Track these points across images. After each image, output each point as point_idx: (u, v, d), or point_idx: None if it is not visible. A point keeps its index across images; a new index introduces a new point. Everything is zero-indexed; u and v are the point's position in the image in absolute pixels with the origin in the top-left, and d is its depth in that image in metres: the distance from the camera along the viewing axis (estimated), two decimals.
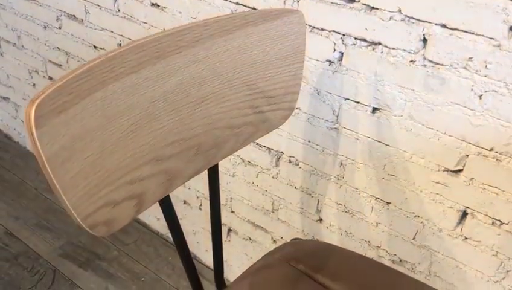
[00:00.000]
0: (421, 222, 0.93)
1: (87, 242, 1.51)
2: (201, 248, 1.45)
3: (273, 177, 1.14)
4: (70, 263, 1.43)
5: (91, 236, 1.53)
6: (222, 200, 1.30)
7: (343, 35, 0.88)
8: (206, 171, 0.72)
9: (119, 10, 1.26)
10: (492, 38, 0.72)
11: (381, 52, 0.84)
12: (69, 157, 0.46)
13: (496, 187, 0.81)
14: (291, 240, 0.90)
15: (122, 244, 1.51)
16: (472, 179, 0.83)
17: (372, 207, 0.99)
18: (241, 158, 1.18)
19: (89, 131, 0.49)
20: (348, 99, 0.92)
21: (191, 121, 0.63)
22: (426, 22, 0.77)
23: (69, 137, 0.46)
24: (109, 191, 0.53)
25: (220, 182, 1.27)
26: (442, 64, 0.78)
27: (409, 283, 0.79)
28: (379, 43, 0.84)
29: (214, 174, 0.73)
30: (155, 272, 1.42)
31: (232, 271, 1.41)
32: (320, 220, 1.10)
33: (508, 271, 0.86)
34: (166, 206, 0.63)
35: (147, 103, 0.56)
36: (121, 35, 1.29)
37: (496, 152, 0.79)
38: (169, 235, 1.54)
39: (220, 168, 1.25)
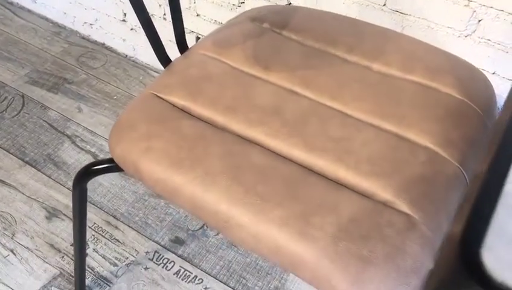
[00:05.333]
0: None
1: (53, 69, 1.45)
2: None
3: None
4: (38, 89, 1.39)
5: (57, 63, 1.47)
6: (185, 3, 1.22)
7: None
8: None
9: None
10: None
11: None
12: None
13: None
14: None
15: (90, 68, 1.46)
16: None
17: None
18: None
19: None
20: None
21: None
22: None
23: None
24: None
25: None
26: None
27: (375, 28, 0.76)
28: None
29: None
30: (127, 90, 1.40)
31: None
32: (289, 3, 1.05)
33: (479, 21, 0.84)
34: None
35: None
36: None
37: None
38: (138, 56, 1.49)
39: None
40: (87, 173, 0.63)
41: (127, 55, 1.51)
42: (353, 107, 0.63)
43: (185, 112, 0.63)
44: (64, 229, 1.07)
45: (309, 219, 0.50)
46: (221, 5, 1.16)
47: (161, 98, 0.65)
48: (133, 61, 1.49)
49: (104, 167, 0.62)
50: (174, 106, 0.64)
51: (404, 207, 0.53)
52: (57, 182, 1.16)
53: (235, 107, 0.62)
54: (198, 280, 1.00)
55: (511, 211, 0.15)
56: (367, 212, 0.51)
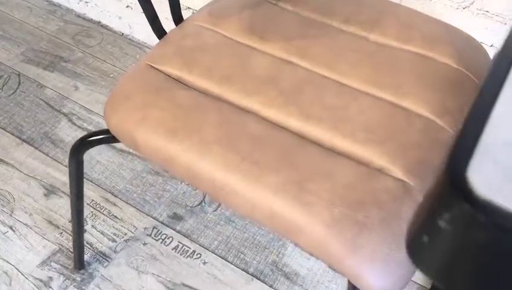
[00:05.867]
0: None
1: (49, 47, 1.44)
2: None
3: None
4: (34, 67, 1.38)
5: (52, 41, 1.46)
6: None
7: None
8: None
9: None
10: None
11: None
12: None
13: None
14: None
15: (86, 46, 1.45)
16: None
17: None
18: None
19: None
20: None
21: None
22: None
23: None
24: None
25: None
26: None
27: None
28: None
29: None
30: (123, 69, 1.39)
31: None
32: None
33: None
34: None
35: None
36: None
37: None
38: (134, 34, 1.48)
39: None
40: (83, 144, 0.63)
41: (123, 33, 1.50)
42: (349, 77, 0.63)
43: (180, 82, 0.63)
44: (63, 206, 1.07)
45: (305, 185, 0.50)
46: None
47: (156, 68, 0.64)
48: (129, 39, 1.48)
49: (100, 138, 0.62)
50: (169, 76, 0.63)
51: (399, 174, 0.53)
52: (55, 160, 1.16)
53: (231, 77, 0.62)
54: (197, 254, 1.00)
55: (498, 132, 0.15)
56: (363, 178, 0.51)
